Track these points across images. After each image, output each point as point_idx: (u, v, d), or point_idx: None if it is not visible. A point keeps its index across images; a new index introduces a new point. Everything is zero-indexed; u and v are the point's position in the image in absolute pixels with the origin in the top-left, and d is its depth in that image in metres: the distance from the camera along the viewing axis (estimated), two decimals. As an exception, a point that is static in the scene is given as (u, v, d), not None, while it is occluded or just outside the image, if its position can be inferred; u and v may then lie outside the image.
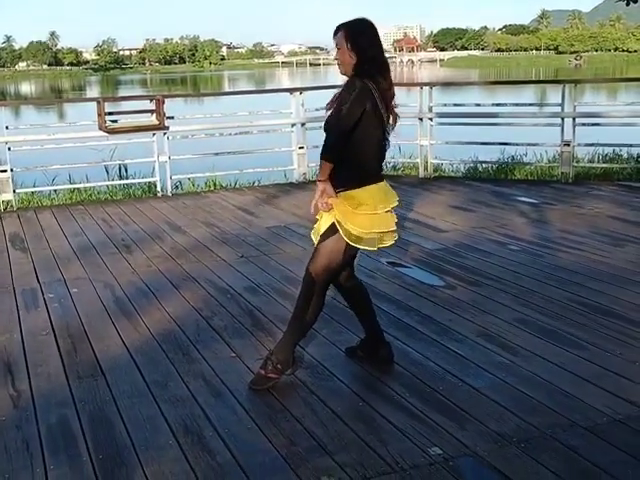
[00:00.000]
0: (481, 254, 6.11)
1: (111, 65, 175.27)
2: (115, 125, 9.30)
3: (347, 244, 3.61)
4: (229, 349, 4.27)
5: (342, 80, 3.66)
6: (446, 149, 10.77)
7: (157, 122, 9.26)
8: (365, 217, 3.58)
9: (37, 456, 3.16)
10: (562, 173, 9.51)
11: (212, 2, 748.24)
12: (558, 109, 9.58)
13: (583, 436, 3.18)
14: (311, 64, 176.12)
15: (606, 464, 2.95)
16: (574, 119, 9.33)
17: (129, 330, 4.63)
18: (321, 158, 3.56)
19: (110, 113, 9.30)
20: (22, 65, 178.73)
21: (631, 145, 10.07)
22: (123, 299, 5.27)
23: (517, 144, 10.60)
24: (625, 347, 4.11)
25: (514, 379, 3.74)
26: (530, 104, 13.96)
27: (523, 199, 8.45)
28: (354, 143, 3.49)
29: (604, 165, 10.43)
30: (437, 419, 3.36)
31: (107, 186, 9.95)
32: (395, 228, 3.74)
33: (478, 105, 11.11)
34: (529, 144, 10.65)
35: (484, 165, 10.55)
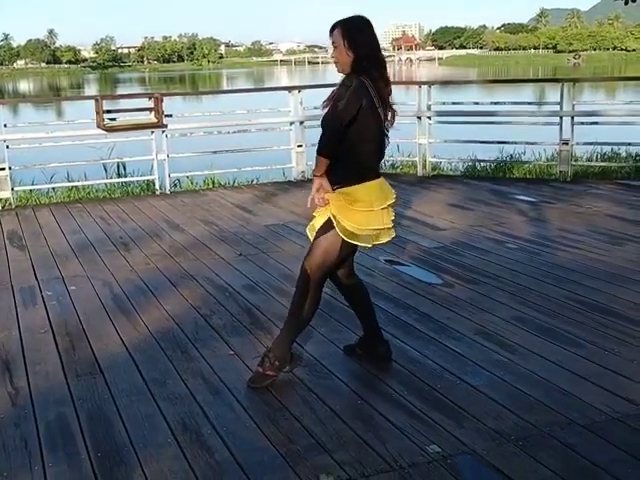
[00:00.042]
0: (479, 252, 6.11)
1: (109, 63, 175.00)
2: (113, 123, 9.29)
3: (343, 240, 3.61)
4: (227, 347, 4.27)
5: (340, 78, 3.65)
6: (444, 148, 10.78)
7: (156, 120, 9.25)
8: (361, 214, 3.59)
9: (35, 454, 3.16)
10: (560, 172, 9.52)
11: (211, 0, 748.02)
12: (557, 108, 9.58)
13: (581, 434, 3.18)
14: (310, 62, 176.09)
15: (604, 462, 2.96)
16: (573, 118, 9.34)
17: (127, 328, 4.63)
18: (317, 154, 3.57)
19: (108, 111, 9.29)
20: (20, 63, 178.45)
21: (629, 144, 10.08)
22: (121, 297, 5.27)
23: (516, 143, 10.59)
24: (623, 345, 4.11)
25: (512, 377, 3.75)
26: (529, 103, 14.01)
27: (521, 197, 8.45)
28: (350, 140, 3.49)
29: (602, 164, 10.45)
30: (435, 417, 3.36)
31: (105, 184, 9.95)
32: (391, 225, 3.73)
33: (477, 104, 11.13)
34: (528, 143, 10.66)
35: (482, 164, 10.55)
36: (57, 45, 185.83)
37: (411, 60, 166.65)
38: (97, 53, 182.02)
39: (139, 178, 10.04)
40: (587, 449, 3.06)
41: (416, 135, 10.09)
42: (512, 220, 7.30)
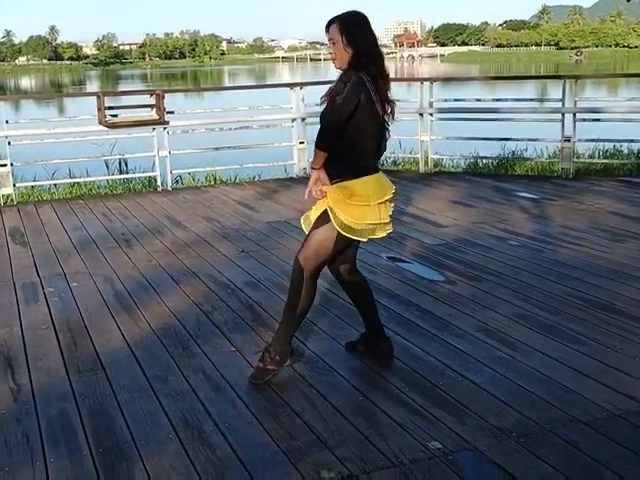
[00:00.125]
0: (481, 249, 6.11)
1: (111, 60, 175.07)
2: (115, 120, 9.30)
3: (338, 234, 3.61)
4: (229, 344, 4.27)
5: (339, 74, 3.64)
6: (446, 144, 10.78)
7: (157, 117, 9.25)
8: (358, 208, 3.58)
9: (37, 450, 3.16)
10: (562, 169, 9.51)
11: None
12: (559, 105, 9.57)
13: (583, 431, 3.18)
14: (311, 59, 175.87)
15: (606, 459, 2.95)
16: (574, 115, 9.33)
17: (129, 324, 4.63)
18: (315, 147, 3.57)
19: (110, 107, 9.29)
20: (22, 59, 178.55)
21: (632, 141, 10.07)
22: (123, 293, 5.27)
23: (517, 139, 10.60)
24: (625, 342, 4.11)
25: (514, 374, 3.75)
26: (531, 99, 14.01)
27: (523, 194, 8.44)
28: (349, 135, 3.49)
29: (604, 161, 10.42)
30: (437, 414, 3.36)
31: (107, 180, 9.95)
32: (388, 220, 3.73)
33: (479, 100, 11.10)
34: (529, 139, 10.65)
35: (484, 160, 10.55)
36: (59, 42, 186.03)
37: (413, 57, 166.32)
38: (99, 50, 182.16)
39: (141, 175, 10.03)
40: (589, 446, 3.06)
41: (418, 132, 10.08)
42: (514, 217, 7.30)
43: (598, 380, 3.65)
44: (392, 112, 3.67)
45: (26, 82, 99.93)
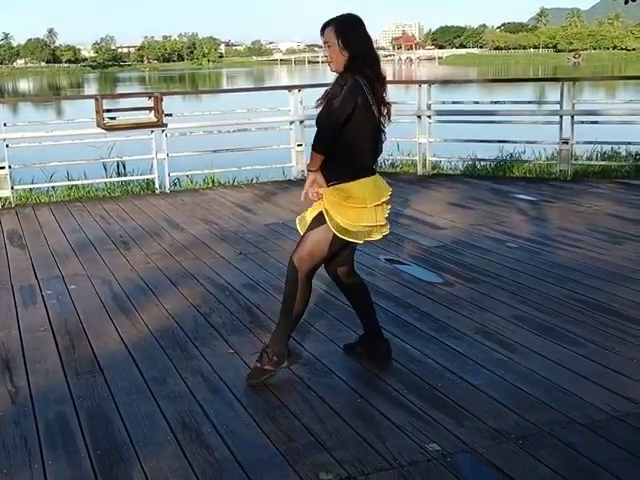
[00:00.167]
0: (479, 251, 6.11)
1: (109, 62, 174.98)
2: (113, 122, 9.29)
3: (334, 236, 3.61)
4: (227, 346, 4.27)
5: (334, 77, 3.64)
6: (444, 147, 10.78)
7: (155, 119, 9.24)
8: (354, 210, 3.58)
9: (35, 452, 3.16)
10: (560, 171, 9.52)
11: (211, 0, 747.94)
12: (557, 107, 9.57)
13: (581, 433, 3.18)
14: (310, 62, 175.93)
15: (604, 461, 2.95)
16: (573, 117, 9.34)
17: (127, 327, 4.63)
18: (312, 149, 3.57)
19: (108, 110, 9.28)
20: (20, 62, 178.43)
21: (629, 143, 10.09)
22: (121, 296, 5.26)
23: (516, 142, 10.60)
24: (623, 344, 4.11)
25: (512, 376, 3.74)
26: (529, 102, 14.04)
27: (521, 196, 8.45)
28: (346, 137, 3.49)
29: (602, 163, 10.44)
30: (435, 416, 3.36)
31: (105, 183, 9.95)
32: (384, 222, 3.73)
33: (477, 103, 11.11)
34: (528, 142, 10.64)
35: (482, 163, 10.55)
36: (57, 44, 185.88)
37: (411, 59, 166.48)
38: (97, 52, 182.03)
39: (139, 177, 10.03)
40: (587, 448, 3.06)
41: (416, 134, 10.08)
42: (512, 219, 7.30)
43: (596, 382, 3.65)
44: (388, 114, 3.68)
45: (24, 85, 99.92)
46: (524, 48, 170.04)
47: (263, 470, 2.97)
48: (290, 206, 7.93)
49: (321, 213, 3.62)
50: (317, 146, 3.54)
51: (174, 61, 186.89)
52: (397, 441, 3.14)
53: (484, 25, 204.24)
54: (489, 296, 5.00)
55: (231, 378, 3.81)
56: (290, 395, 3.63)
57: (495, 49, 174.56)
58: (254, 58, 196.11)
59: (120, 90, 67.83)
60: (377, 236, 3.74)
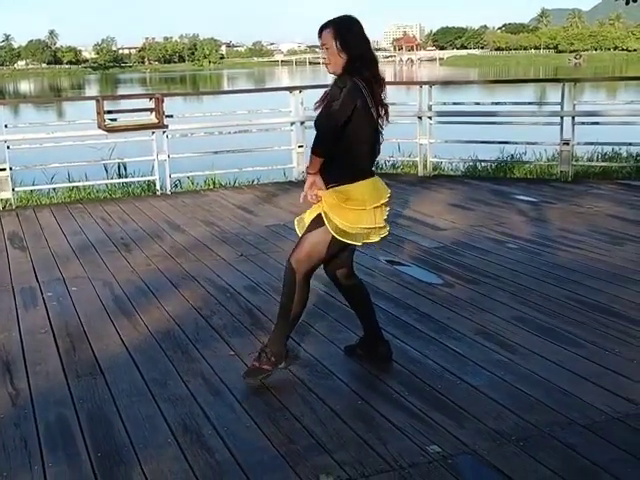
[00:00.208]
0: (479, 252, 6.11)
1: (110, 64, 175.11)
2: (114, 124, 9.30)
3: (332, 238, 3.61)
4: (228, 348, 4.27)
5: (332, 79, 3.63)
6: (445, 148, 10.78)
7: (156, 121, 9.26)
8: (353, 212, 3.59)
9: (35, 454, 3.16)
10: (561, 172, 9.52)
11: (211, 1, 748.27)
12: (557, 108, 9.57)
13: (581, 434, 3.18)
14: (311, 63, 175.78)
15: (605, 462, 2.95)
16: (573, 118, 9.34)
17: (128, 329, 4.63)
18: (312, 152, 3.57)
19: (109, 112, 9.31)
20: (21, 64, 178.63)
21: (630, 144, 10.07)
22: (122, 298, 5.26)
23: (516, 143, 10.59)
24: (624, 345, 4.11)
25: (512, 377, 3.75)
26: (529, 103, 13.99)
27: (522, 198, 8.45)
28: (345, 140, 3.49)
29: (603, 164, 10.44)
30: (436, 417, 3.36)
31: (106, 184, 9.96)
32: (383, 224, 3.73)
33: (477, 104, 11.11)
34: (528, 143, 10.65)
35: (483, 164, 10.55)
36: (58, 46, 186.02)
37: (412, 60, 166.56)
38: (98, 54, 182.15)
39: (140, 179, 10.04)
40: (587, 449, 3.06)
41: (417, 135, 10.08)
42: (513, 220, 7.30)
43: (597, 383, 3.65)
44: (386, 115, 3.68)
45: (25, 86, 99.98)
46: (525, 49, 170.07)
47: (264, 472, 2.98)
48: (291, 207, 7.93)
49: (320, 215, 3.63)
50: (317, 149, 3.54)
51: (175, 62, 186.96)
52: (398, 443, 3.15)
53: (485, 26, 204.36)
54: (489, 297, 5.00)
55: (232, 380, 3.81)
56: (291, 397, 3.63)
57: (496, 50, 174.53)
58: (255, 59, 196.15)
59: (121, 91, 67.93)
60: (375, 238, 3.74)
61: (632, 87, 25.23)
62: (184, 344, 4.35)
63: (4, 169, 8.75)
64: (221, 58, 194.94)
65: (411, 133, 10.17)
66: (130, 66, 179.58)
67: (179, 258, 6.24)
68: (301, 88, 10.25)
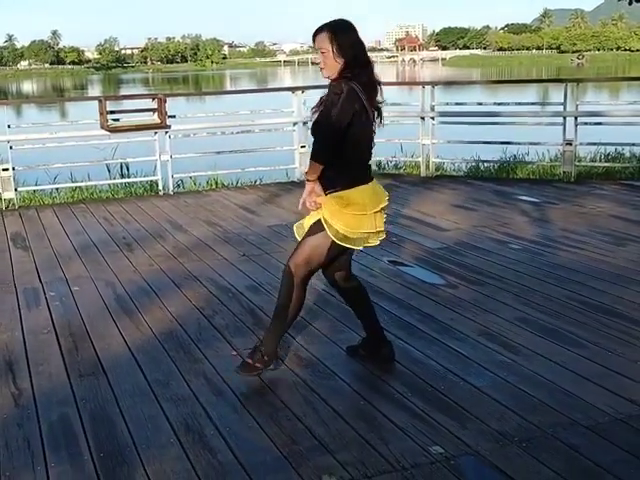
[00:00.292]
0: (482, 253, 6.10)
1: (113, 64, 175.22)
2: (117, 124, 9.31)
3: (332, 242, 3.61)
4: (230, 347, 4.27)
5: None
6: (448, 148, 10.77)
7: (159, 121, 9.26)
8: (354, 217, 3.58)
9: (38, 454, 3.16)
10: (564, 172, 9.51)
11: (214, 1, 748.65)
12: (560, 108, 9.57)
13: (584, 435, 3.18)
14: (313, 63, 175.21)
15: (608, 463, 2.95)
16: (576, 118, 9.32)
17: (130, 329, 4.63)
18: (312, 159, 3.56)
19: (112, 112, 9.31)
20: (24, 64, 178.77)
21: (633, 144, 10.05)
22: (124, 298, 5.27)
23: (519, 143, 10.58)
24: (627, 346, 4.10)
25: (515, 378, 3.74)
26: (532, 103, 14.00)
27: (525, 198, 8.44)
28: (344, 145, 3.48)
29: (606, 164, 10.43)
30: (438, 418, 3.36)
31: (109, 184, 9.96)
32: (383, 228, 3.74)
33: (480, 104, 11.09)
34: (531, 143, 10.64)
35: (486, 164, 10.54)
36: (61, 46, 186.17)
37: (414, 61, 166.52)
38: (101, 54, 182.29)
39: (142, 179, 10.05)
40: (590, 450, 3.05)
41: (419, 136, 10.07)
42: (515, 221, 7.29)
43: (599, 384, 3.65)
44: (380, 118, 3.66)
45: (28, 86, 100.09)
46: (527, 49, 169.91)
47: (266, 473, 2.97)
48: (293, 208, 7.91)
49: (320, 221, 3.62)
50: (318, 156, 3.53)
51: (177, 62, 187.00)
52: (400, 444, 3.14)
53: (488, 26, 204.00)
54: (492, 298, 5.00)
55: (234, 380, 3.81)
56: (293, 397, 3.63)
57: (499, 50, 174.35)
58: (257, 59, 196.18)
59: (124, 92, 67.94)
60: (375, 241, 3.74)
61: (635, 87, 25.20)
62: (186, 344, 4.35)
63: (7, 169, 8.76)
64: (223, 58, 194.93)
65: (413, 133, 10.17)
66: (133, 66, 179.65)
67: (181, 258, 6.25)
68: (303, 88, 10.26)
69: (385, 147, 10.23)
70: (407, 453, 3.06)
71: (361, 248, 3.74)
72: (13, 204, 8.82)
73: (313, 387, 3.72)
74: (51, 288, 5.53)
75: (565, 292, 5.05)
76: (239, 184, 10.19)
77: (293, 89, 10.43)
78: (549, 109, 11.43)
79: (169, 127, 9.35)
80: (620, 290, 5.06)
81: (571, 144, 9.35)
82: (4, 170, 8.74)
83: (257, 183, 10.24)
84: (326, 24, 3.59)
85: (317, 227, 3.64)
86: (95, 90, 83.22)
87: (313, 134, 3.58)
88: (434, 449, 3.09)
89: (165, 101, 9.27)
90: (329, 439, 3.20)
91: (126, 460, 3.09)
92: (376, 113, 3.62)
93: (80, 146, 9.78)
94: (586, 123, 9.56)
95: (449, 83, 19.61)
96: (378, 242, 3.77)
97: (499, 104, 10.73)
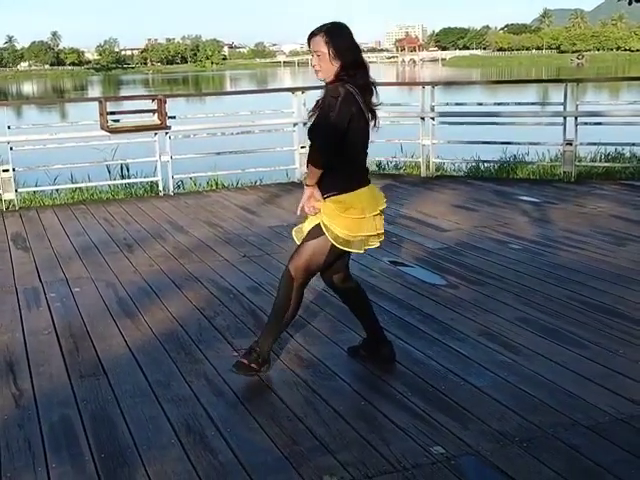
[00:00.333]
0: (483, 253, 6.10)
1: (113, 65, 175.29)
2: (117, 125, 9.31)
3: (331, 246, 3.61)
4: (231, 348, 4.26)
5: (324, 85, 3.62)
6: (448, 148, 10.77)
7: (159, 122, 9.27)
8: (353, 221, 3.58)
9: (39, 455, 3.16)
10: (564, 172, 9.51)
11: (214, 2, 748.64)
12: (560, 108, 9.57)
13: (585, 435, 3.18)
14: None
15: (608, 463, 2.95)
16: (576, 118, 9.33)
17: (131, 330, 4.63)
18: (310, 164, 3.56)
19: (112, 113, 9.31)
20: (24, 65, 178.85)
21: (633, 144, 10.04)
22: (125, 299, 5.27)
23: (519, 143, 10.58)
24: (628, 346, 4.10)
25: (516, 378, 3.74)
26: (532, 103, 14.01)
27: (525, 198, 8.44)
28: (342, 149, 3.48)
29: (606, 164, 10.42)
30: (439, 418, 3.36)
31: (109, 185, 9.96)
32: (382, 230, 3.74)
33: (480, 104, 11.09)
34: (531, 143, 10.64)
35: (486, 164, 10.54)
36: (61, 47, 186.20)
37: (414, 61, 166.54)
38: (101, 55, 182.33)
39: (142, 179, 10.05)
40: (591, 450, 3.05)
41: (419, 136, 10.07)
42: (516, 221, 7.29)
43: (600, 384, 3.65)
44: (375, 121, 3.65)
45: (28, 88, 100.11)
46: (527, 49, 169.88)
47: (267, 473, 2.97)
48: (294, 208, 7.86)
49: (319, 225, 3.62)
50: (316, 161, 3.53)
51: (177, 63, 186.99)
52: (401, 444, 3.14)
53: (487, 26, 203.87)
54: (493, 298, 5.00)
55: (235, 381, 3.81)
56: (294, 398, 3.63)
57: (498, 50, 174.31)
58: (257, 60, 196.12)
59: (124, 93, 67.94)
60: (375, 243, 3.75)
61: (635, 87, 25.21)
62: (187, 345, 4.35)
63: (7, 170, 8.76)
64: (224, 59, 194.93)
65: (414, 134, 10.17)
66: (132, 67, 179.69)
67: (182, 259, 6.25)
68: (303, 89, 10.25)
69: (385, 147, 10.25)
70: (408, 453, 3.06)
71: (362, 251, 3.74)
72: (13, 205, 8.82)
73: (314, 387, 3.72)
74: (52, 289, 5.54)
75: (566, 292, 5.05)
76: (239, 185, 10.19)
77: (293, 90, 10.44)
78: (549, 109, 11.43)
79: (169, 128, 9.35)
80: (621, 290, 5.05)
81: (571, 144, 9.35)
82: (4, 171, 8.74)
83: (257, 184, 10.24)
84: (321, 26, 3.59)
85: (317, 231, 3.64)
86: (95, 91, 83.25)
87: (310, 138, 3.57)
88: (435, 449, 3.08)
89: (165, 102, 9.27)
90: (330, 439, 3.20)
91: (127, 461, 3.09)
92: (371, 115, 3.62)
93: (80, 147, 9.78)
94: (586, 123, 9.56)
95: (449, 83, 19.62)
96: (378, 244, 3.77)
97: (499, 104, 10.74)
